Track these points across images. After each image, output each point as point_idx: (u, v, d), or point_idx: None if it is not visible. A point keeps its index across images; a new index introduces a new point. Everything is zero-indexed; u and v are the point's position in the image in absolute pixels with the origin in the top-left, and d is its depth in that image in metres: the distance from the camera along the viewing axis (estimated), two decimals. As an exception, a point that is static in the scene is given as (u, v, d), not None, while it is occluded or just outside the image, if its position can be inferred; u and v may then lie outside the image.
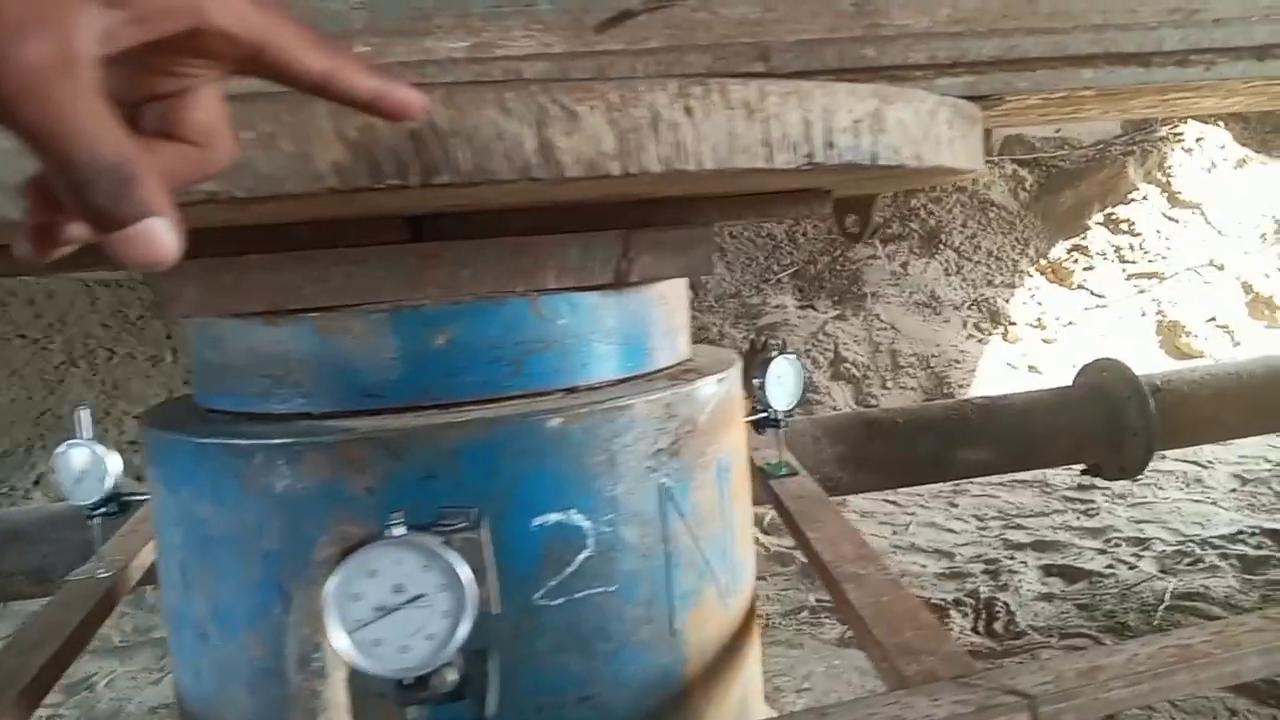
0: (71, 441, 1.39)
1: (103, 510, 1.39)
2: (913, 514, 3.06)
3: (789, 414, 1.62)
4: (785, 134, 0.68)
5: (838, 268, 4.68)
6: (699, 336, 4.46)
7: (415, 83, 0.59)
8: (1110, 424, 2.23)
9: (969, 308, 4.48)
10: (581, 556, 0.93)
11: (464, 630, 0.63)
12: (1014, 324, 4.39)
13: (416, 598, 0.63)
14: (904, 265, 4.66)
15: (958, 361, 4.18)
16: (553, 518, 0.92)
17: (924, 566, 2.65)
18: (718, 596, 1.06)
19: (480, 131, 0.60)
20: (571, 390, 0.99)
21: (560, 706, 0.93)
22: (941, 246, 4.71)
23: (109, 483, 1.37)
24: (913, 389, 4.07)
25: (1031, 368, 4.22)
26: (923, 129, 0.79)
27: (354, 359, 0.93)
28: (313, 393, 0.94)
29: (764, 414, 1.54)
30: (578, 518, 0.93)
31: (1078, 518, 2.94)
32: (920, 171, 0.83)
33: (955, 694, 0.78)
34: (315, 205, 0.65)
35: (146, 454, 1.03)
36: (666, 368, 1.10)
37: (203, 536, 0.94)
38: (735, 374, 1.14)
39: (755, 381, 1.53)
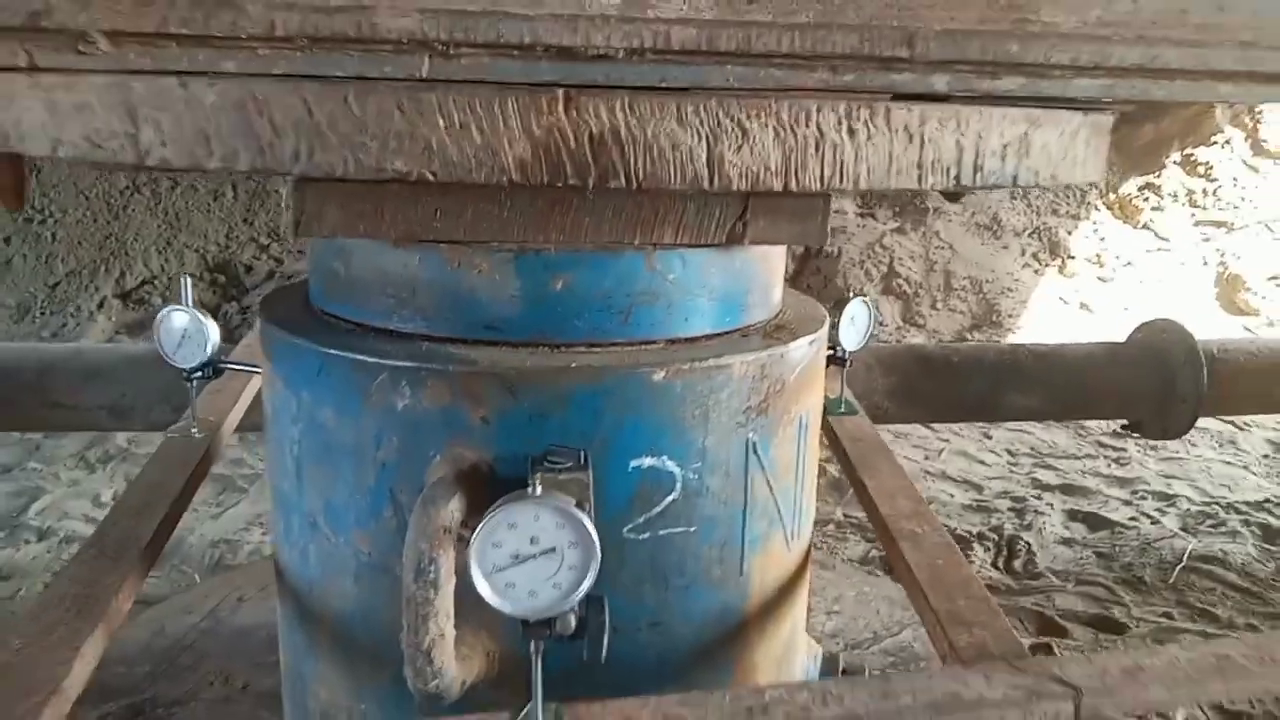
0: (173, 307, 1.46)
1: (200, 375, 1.47)
2: (946, 441, 3.12)
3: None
4: (939, 158, 0.71)
5: (902, 178, 4.61)
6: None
7: (592, 84, 0.62)
8: (1161, 388, 2.24)
9: (1030, 235, 4.42)
10: (669, 499, 1.00)
11: (588, 583, 0.70)
12: (1072, 258, 4.34)
13: (549, 550, 0.70)
14: (970, 184, 4.59)
15: (1010, 290, 4.16)
16: (647, 461, 0.98)
17: (952, 496, 2.73)
18: (784, 542, 1.13)
19: (658, 142, 0.63)
20: (672, 342, 1.04)
21: (634, 631, 1.02)
22: (1011, 169, 4.62)
23: (209, 349, 1.45)
24: (962, 312, 4.07)
25: (1084, 305, 4.20)
26: (1063, 150, 0.81)
27: (477, 292, 0.98)
28: (435, 318, 1.00)
29: (832, 351, 1.58)
30: (669, 464, 1.00)
31: (1109, 465, 2.99)
32: (1046, 187, 0.85)
33: (1010, 677, 0.85)
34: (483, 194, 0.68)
35: (266, 350, 1.10)
36: (760, 322, 1.14)
37: (322, 439, 1.01)
38: (824, 334, 1.18)
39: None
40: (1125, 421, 2.36)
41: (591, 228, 0.97)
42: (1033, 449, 3.09)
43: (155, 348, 1.97)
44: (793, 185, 0.65)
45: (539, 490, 0.70)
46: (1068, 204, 4.53)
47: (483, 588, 0.70)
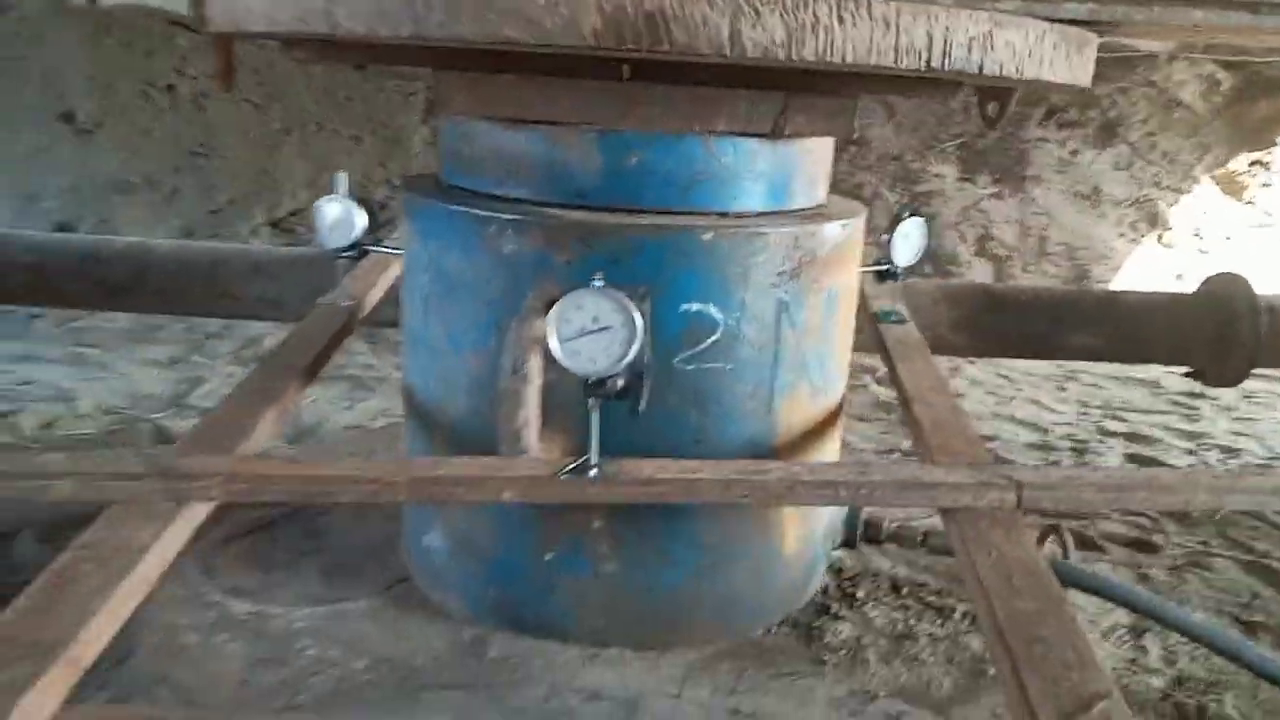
0: (329, 196, 1.77)
1: (348, 255, 1.78)
2: (1020, 389, 3.26)
3: (909, 269, 1.86)
4: (912, 44, 0.93)
5: (1005, 145, 4.68)
6: (855, 194, 4.58)
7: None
8: (1220, 335, 2.35)
9: (1130, 205, 4.45)
10: (712, 338, 1.25)
11: (632, 354, 0.96)
12: (1170, 229, 4.36)
13: (606, 328, 0.96)
14: (1074, 153, 4.62)
15: (1105, 257, 4.22)
16: (695, 306, 1.23)
17: (1016, 435, 2.88)
18: (809, 393, 1.36)
19: (693, 18, 0.87)
20: (723, 215, 1.28)
21: (679, 446, 1.27)
22: (1117, 140, 4.64)
23: (356, 233, 1.76)
24: (1054, 276, 4.15)
25: (1179, 275, 4.22)
26: (1028, 49, 1.02)
27: (569, 166, 1.24)
28: (536, 186, 1.27)
29: (886, 266, 1.78)
30: (713, 310, 1.24)
31: (1179, 420, 3.08)
32: (1021, 82, 1.05)
33: (967, 471, 1.07)
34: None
35: (407, 211, 1.39)
36: (802, 209, 1.37)
37: (447, 280, 1.30)
38: (858, 223, 1.40)
39: (884, 237, 1.77)
40: (1188, 370, 2.48)
41: (660, 115, 1.22)
42: (1105, 402, 3.20)
43: (308, 251, 2.31)
44: (794, 57, 0.89)
45: (601, 283, 0.95)
46: (1172, 177, 4.53)
47: (557, 352, 0.96)
